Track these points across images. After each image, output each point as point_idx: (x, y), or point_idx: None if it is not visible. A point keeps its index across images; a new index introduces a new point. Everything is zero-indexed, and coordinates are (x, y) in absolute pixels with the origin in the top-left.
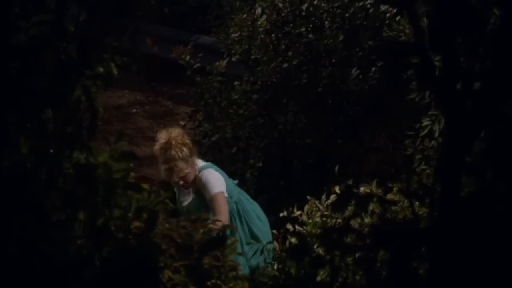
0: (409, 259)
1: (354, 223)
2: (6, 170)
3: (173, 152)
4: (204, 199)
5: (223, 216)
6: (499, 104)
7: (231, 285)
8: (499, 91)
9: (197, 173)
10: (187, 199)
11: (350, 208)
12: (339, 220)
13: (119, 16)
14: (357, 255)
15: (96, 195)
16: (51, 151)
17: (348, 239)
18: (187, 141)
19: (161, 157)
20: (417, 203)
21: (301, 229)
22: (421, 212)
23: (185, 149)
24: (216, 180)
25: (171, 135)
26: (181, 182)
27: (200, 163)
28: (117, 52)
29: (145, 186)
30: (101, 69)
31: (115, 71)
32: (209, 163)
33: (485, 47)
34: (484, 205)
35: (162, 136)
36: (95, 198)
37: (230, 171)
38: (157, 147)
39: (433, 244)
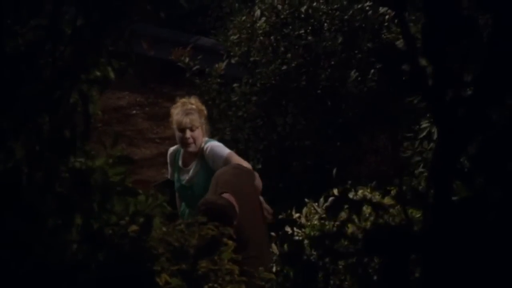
0: (402, 266)
1: (352, 227)
2: (2, 174)
3: (192, 106)
4: (210, 170)
5: (245, 163)
6: (490, 111)
7: None
8: (490, 98)
9: (203, 144)
10: (188, 176)
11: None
12: (337, 223)
13: (115, 19)
14: (350, 261)
15: (92, 200)
16: (47, 155)
17: (345, 244)
18: (204, 109)
19: (178, 109)
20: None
21: (299, 231)
22: (418, 215)
23: (202, 115)
24: (223, 147)
25: (190, 100)
26: (189, 136)
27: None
28: (114, 56)
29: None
30: (98, 73)
31: (112, 75)
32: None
33: (476, 53)
34: (476, 212)
35: (182, 99)
36: (90, 203)
37: None
38: (176, 104)
39: (426, 250)
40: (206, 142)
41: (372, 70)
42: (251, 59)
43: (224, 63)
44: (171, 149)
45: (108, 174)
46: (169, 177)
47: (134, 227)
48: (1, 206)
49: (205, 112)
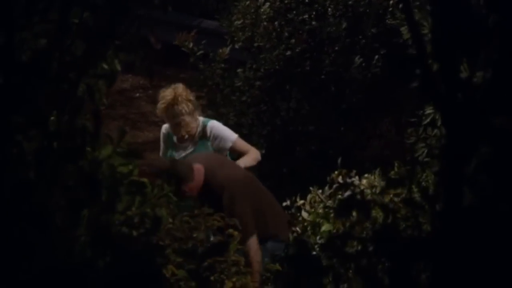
0: (410, 268)
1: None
2: (9, 169)
3: (179, 107)
4: (209, 149)
5: (256, 152)
6: (499, 117)
7: (234, 279)
8: (499, 103)
9: (200, 123)
10: (184, 152)
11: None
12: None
13: (122, 12)
14: (359, 263)
15: (100, 199)
16: (55, 151)
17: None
18: (191, 97)
19: (167, 113)
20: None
21: (305, 216)
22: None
23: (190, 104)
24: (228, 129)
25: (176, 91)
26: (187, 136)
27: (200, 117)
28: (121, 49)
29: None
30: (105, 66)
31: (118, 67)
32: (207, 118)
33: (485, 57)
34: (485, 218)
35: (167, 93)
36: (99, 199)
37: (233, 158)
38: (163, 105)
39: (434, 253)
40: (205, 123)
41: (376, 56)
42: (255, 44)
43: (228, 48)
44: (165, 125)
45: (115, 165)
46: (160, 154)
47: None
48: (8, 202)
49: (193, 99)
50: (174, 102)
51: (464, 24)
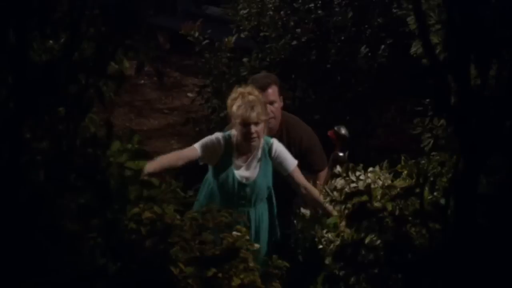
0: (422, 278)
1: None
2: (17, 169)
3: (253, 98)
4: (272, 170)
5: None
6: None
7: (241, 276)
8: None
9: (263, 140)
10: (248, 171)
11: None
12: (349, 205)
13: (131, 13)
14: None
15: (110, 204)
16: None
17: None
18: (262, 99)
19: (239, 101)
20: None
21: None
22: (429, 197)
23: (264, 106)
24: (288, 152)
25: (247, 89)
26: (254, 131)
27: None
28: (130, 49)
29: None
30: (115, 66)
31: (127, 64)
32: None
33: (499, 68)
34: (498, 232)
35: (238, 88)
36: (109, 207)
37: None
38: (233, 95)
39: (446, 264)
40: (268, 139)
41: (382, 46)
42: (261, 34)
43: (234, 37)
44: (220, 136)
45: (123, 162)
46: (203, 162)
47: (148, 214)
48: (18, 206)
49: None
50: (246, 94)
51: (478, 31)
